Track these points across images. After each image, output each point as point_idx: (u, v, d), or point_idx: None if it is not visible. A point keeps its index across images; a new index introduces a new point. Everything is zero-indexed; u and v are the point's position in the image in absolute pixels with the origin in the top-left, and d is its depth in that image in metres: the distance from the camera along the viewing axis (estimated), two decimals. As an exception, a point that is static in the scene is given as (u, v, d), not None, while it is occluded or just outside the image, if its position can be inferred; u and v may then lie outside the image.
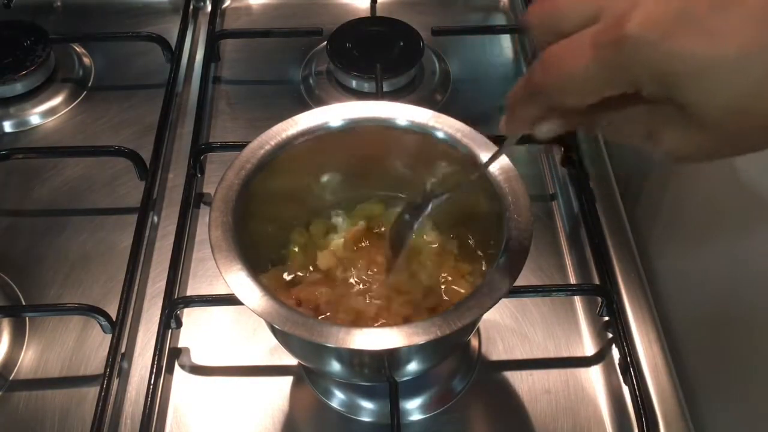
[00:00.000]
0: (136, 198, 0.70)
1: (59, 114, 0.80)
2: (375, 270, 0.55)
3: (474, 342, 0.62)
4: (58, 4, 0.93)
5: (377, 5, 0.90)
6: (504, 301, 0.64)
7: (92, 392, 0.57)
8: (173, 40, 0.84)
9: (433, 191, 0.50)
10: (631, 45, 0.29)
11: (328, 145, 0.54)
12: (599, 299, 0.62)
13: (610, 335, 0.62)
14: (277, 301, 0.44)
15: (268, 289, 0.45)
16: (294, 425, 0.58)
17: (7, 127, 0.79)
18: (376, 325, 0.51)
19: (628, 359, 0.58)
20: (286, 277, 0.54)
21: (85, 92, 0.83)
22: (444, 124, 0.53)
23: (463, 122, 0.53)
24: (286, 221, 0.57)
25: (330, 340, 0.43)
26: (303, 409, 0.59)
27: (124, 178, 0.73)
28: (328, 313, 0.52)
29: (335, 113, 0.54)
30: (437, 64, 0.85)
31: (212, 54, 0.84)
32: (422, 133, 0.53)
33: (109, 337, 0.60)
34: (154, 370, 0.57)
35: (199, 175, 0.73)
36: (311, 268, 0.55)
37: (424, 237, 0.56)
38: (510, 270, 0.45)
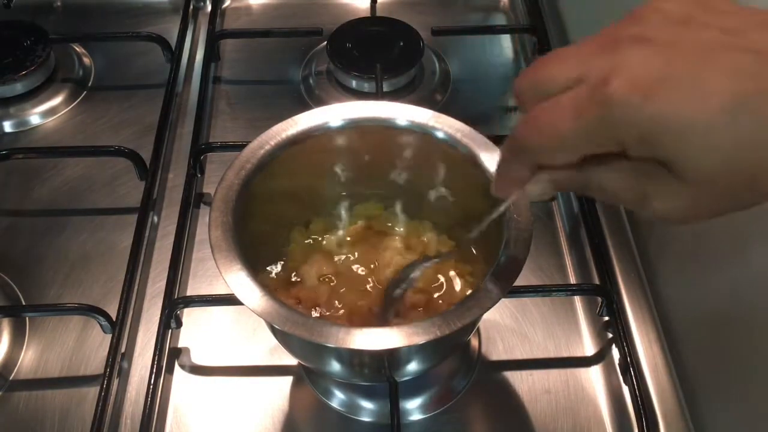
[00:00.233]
0: (136, 198, 0.70)
1: (59, 114, 0.80)
2: (374, 268, 0.55)
3: (474, 342, 0.62)
4: (58, 4, 0.93)
5: (377, 5, 0.90)
6: (504, 301, 0.64)
7: (92, 392, 0.57)
8: (173, 40, 0.84)
9: (433, 255, 0.52)
10: (614, 106, 0.29)
11: (328, 145, 0.54)
12: (599, 299, 0.62)
13: (610, 335, 0.62)
14: (277, 300, 0.44)
15: (267, 289, 0.45)
16: (294, 425, 0.58)
17: (7, 127, 0.79)
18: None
19: (628, 359, 0.58)
20: (286, 276, 0.54)
21: (85, 92, 0.83)
22: (444, 124, 0.53)
23: (463, 122, 0.53)
24: (286, 221, 0.57)
25: (330, 340, 0.43)
26: (303, 409, 0.59)
27: (124, 178, 0.73)
28: (327, 312, 0.53)
29: (335, 113, 0.54)
30: (437, 64, 0.85)
31: (212, 54, 0.84)
32: (422, 133, 0.53)
33: (109, 337, 0.60)
34: (154, 370, 0.57)
35: (199, 175, 0.73)
36: (311, 266, 0.55)
37: (424, 238, 0.56)
38: (510, 270, 0.45)
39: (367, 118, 0.54)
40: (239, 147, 0.52)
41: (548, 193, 0.36)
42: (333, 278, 0.54)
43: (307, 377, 0.60)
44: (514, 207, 0.48)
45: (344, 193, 0.58)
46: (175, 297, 0.62)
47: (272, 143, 0.52)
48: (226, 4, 0.92)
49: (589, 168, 0.34)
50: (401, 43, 0.83)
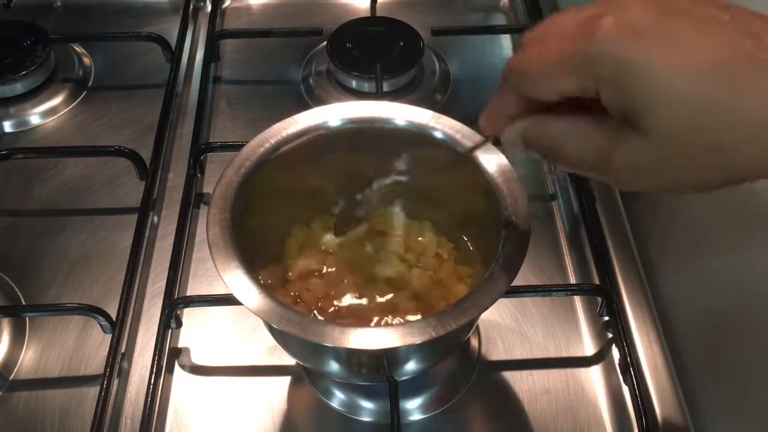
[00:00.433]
0: (136, 198, 0.70)
1: (59, 114, 0.80)
2: (373, 268, 0.55)
3: (474, 342, 0.62)
4: (58, 4, 0.93)
5: (377, 5, 0.90)
6: (504, 301, 0.64)
7: (92, 392, 0.57)
8: (173, 40, 0.84)
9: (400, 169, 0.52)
10: (597, 41, 0.31)
11: (328, 144, 0.54)
12: (599, 299, 0.62)
13: (610, 335, 0.62)
14: (274, 299, 0.44)
15: (265, 287, 0.45)
16: (294, 425, 0.58)
17: (7, 127, 0.79)
18: (372, 324, 0.51)
19: (628, 359, 0.58)
20: (284, 274, 0.54)
21: (85, 92, 0.83)
22: (444, 125, 0.53)
23: (463, 122, 0.53)
24: (285, 219, 0.57)
25: (326, 339, 0.43)
26: (303, 409, 0.59)
27: (124, 178, 0.73)
28: (326, 311, 0.53)
29: (335, 113, 0.54)
30: (437, 64, 0.85)
31: (212, 54, 0.84)
32: (422, 133, 0.53)
33: (109, 337, 0.60)
34: (154, 370, 0.57)
35: (199, 175, 0.73)
36: (309, 265, 0.55)
37: (423, 238, 0.56)
38: (507, 271, 0.45)
39: (367, 118, 0.54)
40: (239, 147, 0.52)
41: (519, 145, 0.38)
42: (332, 277, 0.54)
43: (307, 377, 0.60)
44: (513, 208, 0.48)
45: (344, 193, 0.58)
46: (175, 297, 0.62)
47: (272, 141, 0.52)
48: (226, 4, 0.92)
49: (558, 122, 0.35)
50: (401, 43, 0.83)
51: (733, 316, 0.57)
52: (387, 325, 0.51)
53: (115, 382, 0.58)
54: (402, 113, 0.54)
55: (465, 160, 0.51)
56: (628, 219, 0.70)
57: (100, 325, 0.61)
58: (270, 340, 0.52)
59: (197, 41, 0.87)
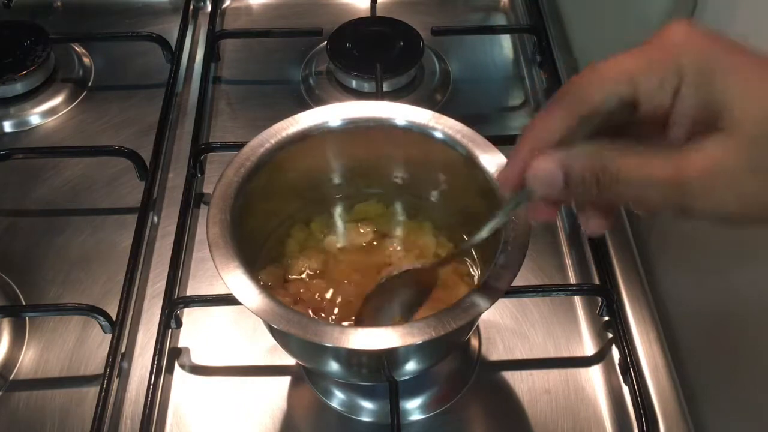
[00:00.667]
0: (136, 198, 0.70)
1: (59, 114, 0.80)
2: (373, 268, 0.55)
3: (474, 342, 0.62)
4: (58, 4, 0.93)
5: (377, 5, 0.90)
6: (504, 301, 0.64)
7: (92, 392, 0.57)
8: (173, 40, 0.84)
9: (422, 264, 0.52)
10: (681, 34, 0.31)
11: (328, 144, 0.54)
12: (599, 299, 0.62)
13: (610, 335, 0.62)
14: (273, 298, 0.44)
15: (265, 287, 0.45)
16: (294, 425, 0.58)
17: (7, 127, 0.79)
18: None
19: (628, 359, 0.58)
20: (284, 274, 0.55)
21: (85, 92, 0.83)
22: (444, 125, 0.53)
23: (463, 122, 0.53)
24: (285, 219, 0.57)
25: (326, 339, 0.43)
26: (303, 408, 0.59)
27: (124, 178, 0.73)
28: (326, 311, 0.53)
29: (335, 113, 0.54)
30: (437, 64, 0.85)
31: (212, 54, 0.84)
32: (422, 133, 0.53)
33: (109, 337, 0.60)
34: (154, 370, 0.57)
35: (199, 175, 0.73)
36: (310, 265, 0.55)
37: (423, 239, 0.56)
38: (507, 271, 0.45)
39: (367, 118, 0.54)
40: (239, 147, 0.52)
41: (555, 182, 0.33)
42: (332, 277, 0.54)
43: (307, 377, 0.60)
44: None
45: (344, 193, 0.58)
46: (175, 297, 0.62)
47: (272, 141, 0.52)
48: (226, 4, 0.93)
49: (612, 153, 0.32)
50: (401, 43, 0.83)
51: (733, 316, 0.57)
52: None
53: (115, 382, 0.59)
54: (402, 113, 0.54)
55: (465, 160, 0.52)
56: (628, 219, 0.70)
57: (100, 325, 0.61)
58: (270, 340, 0.52)
59: (197, 41, 0.87)
